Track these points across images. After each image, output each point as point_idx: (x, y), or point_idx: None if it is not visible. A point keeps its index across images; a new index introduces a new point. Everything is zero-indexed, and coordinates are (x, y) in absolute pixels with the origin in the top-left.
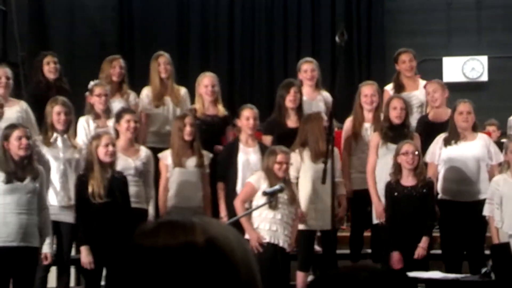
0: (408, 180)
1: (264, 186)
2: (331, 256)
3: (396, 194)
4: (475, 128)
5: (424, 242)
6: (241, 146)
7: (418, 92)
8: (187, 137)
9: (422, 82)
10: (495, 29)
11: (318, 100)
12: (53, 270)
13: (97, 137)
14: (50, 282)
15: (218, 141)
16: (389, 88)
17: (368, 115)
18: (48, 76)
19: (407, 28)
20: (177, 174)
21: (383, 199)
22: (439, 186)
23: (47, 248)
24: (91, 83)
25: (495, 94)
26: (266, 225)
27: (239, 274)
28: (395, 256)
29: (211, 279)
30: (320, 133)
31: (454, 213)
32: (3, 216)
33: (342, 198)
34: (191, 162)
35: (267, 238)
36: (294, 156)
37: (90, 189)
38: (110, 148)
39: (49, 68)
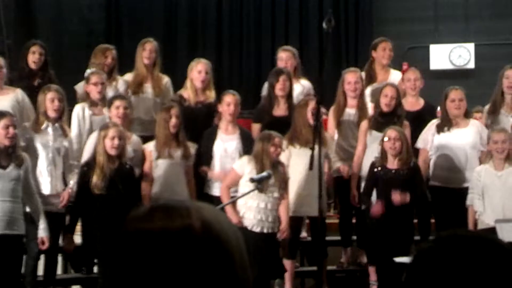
0: (393, 164)
1: (247, 170)
2: (320, 243)
3: (378, 174)
4: (467, 115)
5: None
6: (220, 134)
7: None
8: (172, 129)
9: (394, 72)
10: (482, 16)
11: (295, 89)
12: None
13: (105, 128)
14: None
15: (206, 127)
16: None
17: (352, 101)
18: (31, 66)
19: (395, 15)
20: (162, 165)
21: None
22: (430, 172)
23: (42, 232)
24: (88, 71)
25: (481, 82)
26: (250, 214)
27: (233, 258)
28: (375, 207)
29: (208, 263)
30: (303, 120)
31: (445, 199)
32: None
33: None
34: (176, 153)
35: (253, 227)
36: (284, 143)
37: (92, 180)
38: (116, 141)
39: (33, 57)
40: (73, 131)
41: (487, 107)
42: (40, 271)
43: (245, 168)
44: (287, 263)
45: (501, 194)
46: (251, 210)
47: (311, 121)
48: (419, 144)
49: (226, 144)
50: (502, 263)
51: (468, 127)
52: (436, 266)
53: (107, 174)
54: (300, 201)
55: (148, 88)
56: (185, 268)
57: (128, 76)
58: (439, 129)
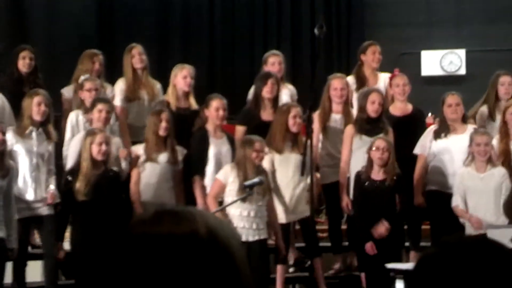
0: (378, 175)
1: (231, 179)
2: (312, 246)
3: (364, 186)
4: (465, 120)
5: (383, 224)
6: (211, 138)
7: (381, 86)
8: (162, 133)
9: (383, 75)
10: (473, 22)
11: (283, 94)
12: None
13: (92, 134)
14: (35, 276)
15: (189, 135)
16: (350, 80)
17: (337, 107)
18: (21, 70)
19: (387, 21)
20: (149, 169)
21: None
22: (427, 177)
23: (10, 243)
24: (82, 77)
25: (472, 88)
26: (233, 222)
27: (237, 264)
28: (368, 246)
29: (213, 268)
30: (281, 127)
31: (442, 204)
32: None
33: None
34: (163, 157)
35: None
36: (266, 149)
37: (76, 186)
38: (104, 147)
39: (24, 62)
40: (67, 138)
41: (483, 108)
42: (38, 277)
43: (229, 176)
44: (279, 268)
45: (483, 195)
46: (233, 219)
47: (292, 128)
48: (417, 150)
49: (219, 148)
50: (507, 269)
51: (466, 133)
52: (441, 271)
53: (91, 180)
54: (284, 207)
55: (144, 94)
56: (190, 273)
57: (119, 84)
58: (437, 135)
